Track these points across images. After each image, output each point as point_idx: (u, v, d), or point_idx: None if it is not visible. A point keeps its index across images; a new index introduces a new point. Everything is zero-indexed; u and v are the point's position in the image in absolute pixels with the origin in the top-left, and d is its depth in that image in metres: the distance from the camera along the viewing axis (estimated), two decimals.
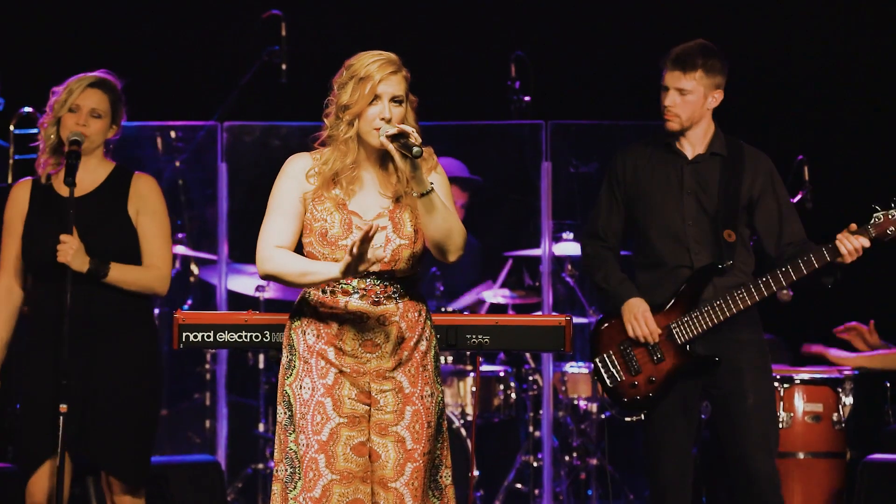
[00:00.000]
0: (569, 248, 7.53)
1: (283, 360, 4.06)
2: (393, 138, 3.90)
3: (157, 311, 7.52)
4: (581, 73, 7.92)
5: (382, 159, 4.03)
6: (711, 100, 5.14)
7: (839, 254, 4.95)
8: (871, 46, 7.64)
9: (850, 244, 4.93)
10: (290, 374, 4.03)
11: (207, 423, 7.54)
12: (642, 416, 5.14)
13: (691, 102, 5.11)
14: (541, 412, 7.35)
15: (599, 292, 5.29)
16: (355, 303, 3.98)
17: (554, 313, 7.07)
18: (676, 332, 5.10)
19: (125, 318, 4.92)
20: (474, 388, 7.06)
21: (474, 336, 4.66)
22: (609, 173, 5.29)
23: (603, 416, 7.39)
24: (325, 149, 4.03)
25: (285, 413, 4.02)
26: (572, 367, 7.43)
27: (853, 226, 4.96)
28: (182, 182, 7.67)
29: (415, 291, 4.07)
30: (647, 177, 5.19)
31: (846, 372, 6.22)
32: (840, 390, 6.16)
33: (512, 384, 7.31)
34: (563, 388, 7.39)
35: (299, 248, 4.05)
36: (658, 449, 5.12)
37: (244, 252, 7.50)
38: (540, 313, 7.30)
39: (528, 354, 7.39)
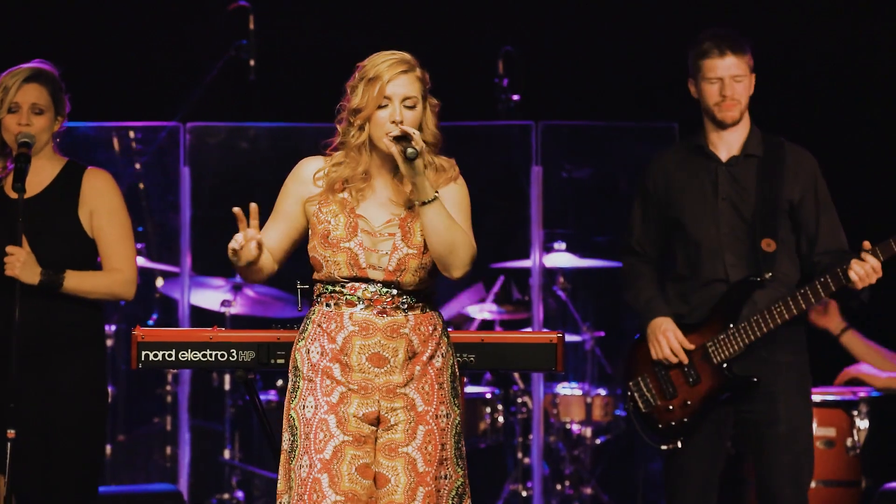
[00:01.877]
0: (560, 259, 7.52)
1: (289, 384, 4.08)
2: (396, 140, 3.93)
3: (114, 327, 7.49)
4: (574, 69, 7.91)
5: (396, 167, 4.05)
6: (752, 87, 5.13)
7: (850, 279, 4.91)
8: (891, 39, 7.65)
9: (861, 269, 4.89)
10: (295, 397, 4.04)
11: (168, 450, 7.50)
12: (678, 444, 5.09)
13: (746, 88, 5.09)
14: (530, 437, 7.33)
15: (633, 311, 5.29)
16: (360, 314, 4.01)
17: (545, 330, 7.06)
18: (713, 352, 5.06)
19: (75, 332, 4.88)
20: None
21: (458, 354, 4.63)
22: (639, 185, 5.28)
23: (598, 442, 7.38)
24: (337, 153, 4.08)
25: (290, 439, 4.03)
26: (564, 389, 7.41)
27: (866, 244, 4.92)
28: (142, 187, 7.64)
29: (427, 304, 4.09)
30: (679, 184, 5.16)
31: (861, 394, 6.21)
32: (855, 413, 6.15)
33: (499, 407, 7.30)
34: (555, 411, 7.38)
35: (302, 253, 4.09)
36: (682, 479, 5.09)
37: (208, 264, 7.47)
38: (529, 330, 7.28)
39: (516, 374, 7.38)
